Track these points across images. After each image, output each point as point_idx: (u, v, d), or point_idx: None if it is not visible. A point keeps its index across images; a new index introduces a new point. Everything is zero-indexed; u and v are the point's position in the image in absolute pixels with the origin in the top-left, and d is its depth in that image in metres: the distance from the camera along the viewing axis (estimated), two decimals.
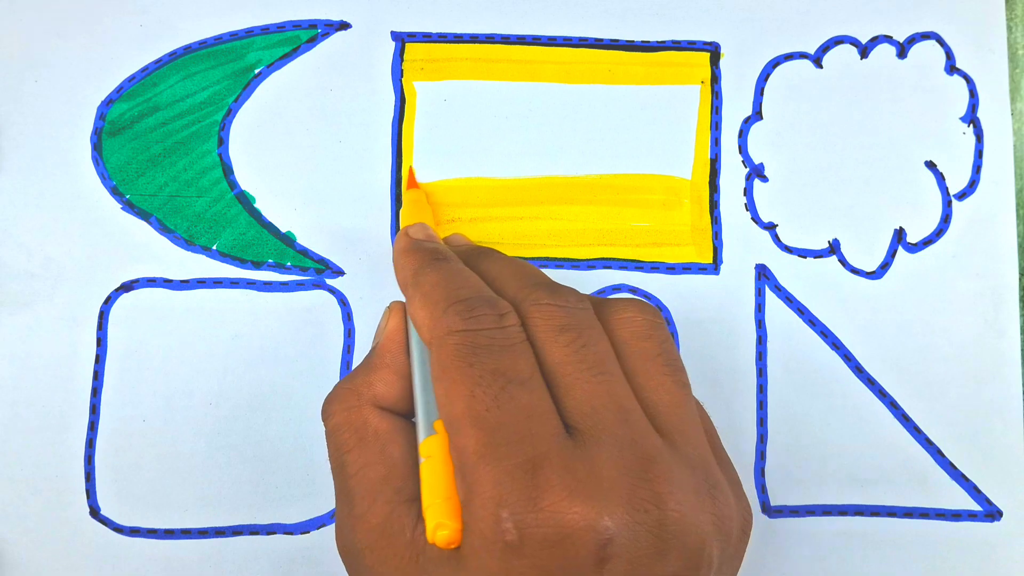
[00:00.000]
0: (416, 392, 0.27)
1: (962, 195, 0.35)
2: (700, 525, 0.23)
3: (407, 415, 0.28)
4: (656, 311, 0.27)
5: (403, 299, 0.29)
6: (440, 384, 0.25)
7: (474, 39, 0.35)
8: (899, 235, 0.35)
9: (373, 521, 0.25)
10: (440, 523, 0.24)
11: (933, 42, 0.36)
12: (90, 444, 0.33)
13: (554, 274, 0.34)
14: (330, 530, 0.33)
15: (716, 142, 0.35)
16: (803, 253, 0.35)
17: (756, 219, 0.35)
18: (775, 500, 0.34)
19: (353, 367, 0.33)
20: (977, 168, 0.35)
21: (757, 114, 0.35)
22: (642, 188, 0.35)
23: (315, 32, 0.35)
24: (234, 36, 0.34)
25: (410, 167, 0.34)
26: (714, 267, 0.35)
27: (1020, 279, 0.35)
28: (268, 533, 0.33)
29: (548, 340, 0.25)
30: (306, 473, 0.33)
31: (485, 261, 0.29)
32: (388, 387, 0.28)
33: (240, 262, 0.34)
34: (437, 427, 0.25)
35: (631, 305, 0.27)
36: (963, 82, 0.35)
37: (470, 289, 0.26)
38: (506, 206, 0.34)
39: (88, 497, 0.32)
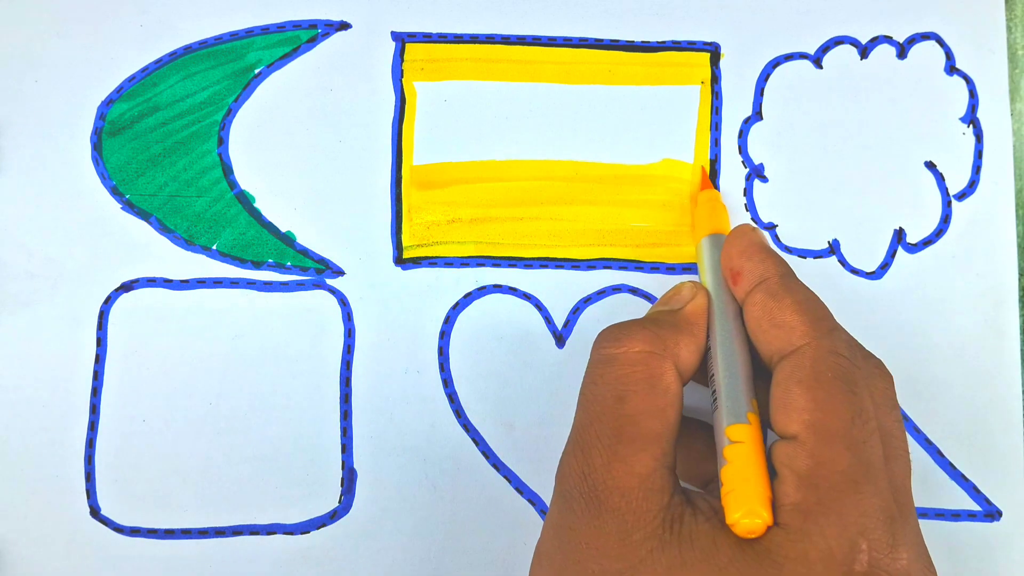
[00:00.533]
0: (721, 375, 0.27)
1: (962, 195, 0.35)
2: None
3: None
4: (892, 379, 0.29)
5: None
6: (813, 392, 0.25)
7: (474, 39, 0.35)
8: (899, 235, 0.35)
9: (638, 468, 0.25)
10: (753, 511, 0.24)
11: (933, 42, 0.36)
12: (90, 444, 0.33)
13: (553, 274, 0.34)
14: (330, 530, 0.33)
15: (716, 142, 0.35)
16: (803, 253, 0.35)
17: (756, 219, 0.35)
18: None
19: (353, 368, 0.33)
20: (977, 168, 0.35)
21: (757, 114, 0.35)
22: (642, 188, 0.35)
23: (315, 32, 0.35)
24: (234, 36, 0.34)
25: (702, 166, 0.34)
26: None
27: (1020, 279, 0.35)
28: (268, 533, 0.33)
29: (884, 407, 0.27)
30: (306, 473, 0.33)
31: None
32: (690, 355, 0.28)
33: (240, 262, 0.34)
34: (751, 419, 0.26)
35: (888, 373, 0.29)
36: (963, 82, 0.35)
37: (835, 323, 0.27)
38: (506, 206, 0.34)
39: (88, 497, 0.32)
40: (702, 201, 0.33)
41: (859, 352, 0.27)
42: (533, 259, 0.34)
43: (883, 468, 0.25)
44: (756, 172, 0.35)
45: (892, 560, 0.23)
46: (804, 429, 0.25)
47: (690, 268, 0.34)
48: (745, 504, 0.24)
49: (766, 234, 0.33)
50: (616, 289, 0.34)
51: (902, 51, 0.36)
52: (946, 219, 0.35)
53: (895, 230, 0.35)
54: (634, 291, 0.34)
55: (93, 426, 0.33)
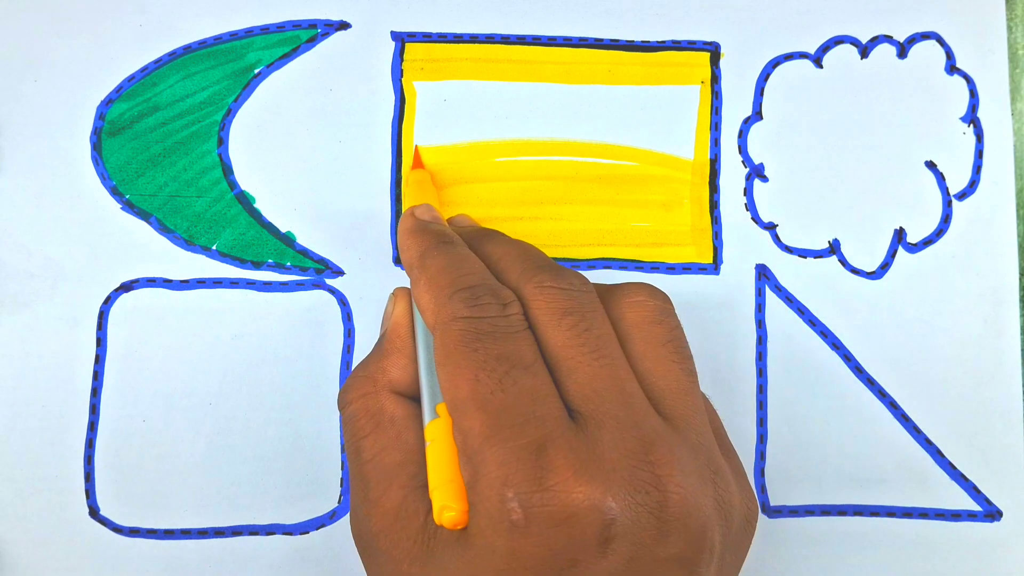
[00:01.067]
0: (421, 376, 0.27)
1: (962, 195, 0.35)
2: (702, 508, 0.24)
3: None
4: (667, 297, 0.27)
5: (407, 284, 0.29)
6: (444, 368, 0.25)
7: (474, 39, 0.35)
8: (899, 235, 0.35)
9: (387, 506, 0.26)
10: (445, 505, 0.24)
11: (933, 42, 0.36)
12: (90, 444, 0.33)
13: None
14: (330, 530, 0.33)
15: (716, 142, 0.35)
16: (803, 253, 0.35)
17: (756, 219, 0.35)
18: (775, 500, 0.34)
19: (353, 367, 0.33)
20: (977, 168, 0.35)
21: (757, 114, 0.35)
22: (642, 188, 0.35)
23: (315, 32, 0.35)
24: (234, 36, 0.34)
25: (416, 147, 0.34)
26: (714, 267, 0.35)
27: (1020, 279, 0.35)
28: (268, 533, 0.33)
29: (551, 324, 0.26)
30: (306, 473, 0.33)
31: (489, 243, 0.29)
32: (402, 372, 0.28)
33: (240, 262, 0.34)
34: (440, 411, 0.26)
35: (642, 289, 0.27)
36: (963, 82, 0.35)
37: (475, 276, 0.27)
38: (506, 206, 0.34)
39: (88, 497, 0.32)
40: (411, 182, 0.33)
41: (532, 282, 0.26)
42: None
43: (537, 400, 0.24)
44: (756, 172, 0.35)
45: (552, 494, 0.22)
46: (450, 408, 0.25)
47: (689, 268, 0.34)
48: (439, 500, 0.24)
49: (427, 208, 0.31)
50: None
51: (902, 51, 0.36)
52: (946, 219, 0.35)
53: (895, 230, 0.35)
54: None
55: (93, 426, 0.33)
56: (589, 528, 0.22)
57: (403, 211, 0.32)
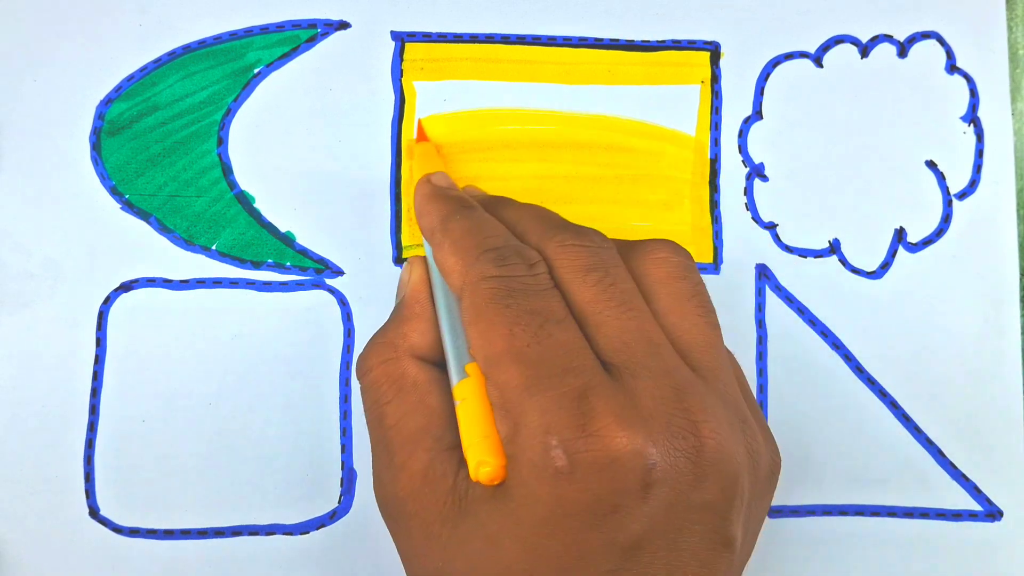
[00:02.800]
0: (444, 338, 0.27)
1: (962, 195, 0.35)
2: (734, 455, 0.24)
3: (442, 364, 0.28)
4: (688, 253, 0.28)
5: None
6: (475, 326, 0.25)
7: (474, 39, 0.35)
8: (899, 235, 0.35)
9: (415, 469, 0.26)
10: (482, 460, 0.24)
11: (933, 41, 0.36)
12: (90, 444, 0.33)
13: None
14: (330, 530, 0.33)
15: (716, 142, 0.35)
16: (803, 253, 0.35)
17: (756, 219, 0.35)
18: (776, 500, 0.34)
19: (353, 367, 0.33)
20: (977, 168, 0.35)
21: (757, 114, 0.35)
22: (642, 188, 0.35)
23: (315, 32, 0.35)
24: (233, 36, 0.34)
25: (419, 120, 0.34)
26: (714, 267, 0.35)
27: (1020, 279, 0.35)
28: (268, 533, 0.33)
29: (576, 280, 0.26)
30: (306, 473, 0.33)
31: (505, 209, 0.29)
32: (423, 336, 0.28)
33: (240, 262, 0.34)
34: (469, 370, 0.26)
35: (665, 246, 0.27)
36: (963, 82, 0.35)
37: (499, 237, 0.27)
38: None
39: (88, 497, 0.32)
40: (417, 154, 0.33)
41: (554, 240, 0.27)
42: None
43: (572, 351, 0.24)
44: (756, 171, 0.35)
45: (595, 440, 0.23)
46: (484, 365, 0.25)
47: None
48: (475, 457, 0.24)
49: (443, 175, 0.32)
50: None
51: (903, 50, 0.36)
52: (947, 218, 0.35)
53: (895, 229, 0.35)
54: None
55: (92, 426, 0.33)
56: (631, 473, 0.23)
57: (411, 181, 0.32)
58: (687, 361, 0.25)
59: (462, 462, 0.25)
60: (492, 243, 0.27)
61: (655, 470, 0.23)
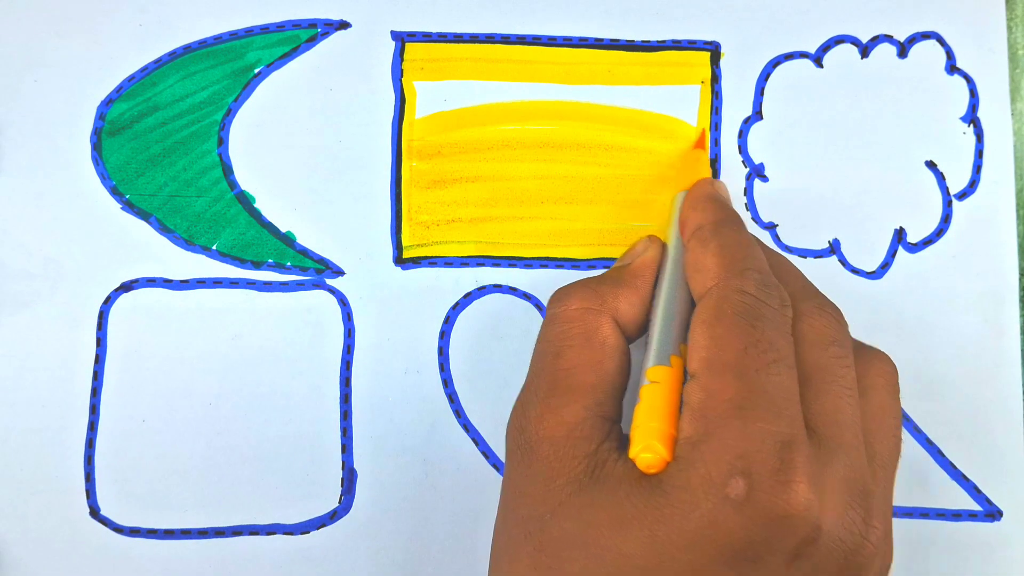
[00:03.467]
0: (656, 321, 0.28)
1: (962, 195, 0.35)
2: (875, 568, 0.25)
3: (629, 340, 0.29)
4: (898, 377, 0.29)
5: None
6: (711, 328, 0.26)
7: (474, 39, 0.35)
8: (899, 235, 0.35)
9: (566, 417, 0.26)
10: (649, 445, 0.24)
11: (934, 42, 0.36)
12: (90, 444, 0.33)
13: (554, 274, 0.34)
14: (330, 530, 0.33)
15: (716, 142, 0.35)
16: (803, 253, 0.35)
17: (756, 219, 0.35)
18: None
19: (353, 368, 0.33)
20: (977, 168, 0.35)
21: (757, 114, 0.35)
22: (642, 187, 0.35)
23: (315, 32, 0.35)
24: (234, 35, 0.34)
25: (703, 128, 0.35)
26: None
27: (1020, 279, 0.35)
28: (268, 533, 0.33)
29: (818, 344, 0.26)
30: (306, 473, 0.33)
31: (764, 248, 0.30)
32: (630, 308, 0.29)
33: (240, 262, 0.34)
34: (673, 361, 0.26)
35: (891, 362, 0.29)
36: (963, 82, 0.35)
37: (764, 264, 0.28)
38: (506, 206, 0.34)
39: (88, 497, 0.32)
40: (689, 158, 0.34)
41: (812, 301, 0.28)
42: (533, 259, 0.34)
43: (789, 399, 0.24)
44: (756, 172, 0.35)
45: (781, 489, 0.23)
46: (700, 365, 0.25)
47: None
48: (643, 439, 0.25)
49: (724, 187, 0.33)
50: None
51: (903, 50, 0.36)
52: (946, 219, 0.35)
53: (895, 230, 0.35)
54: None
55: (93, 426, 0.33)
56: (793, 537, 0.23)
57: (684, 186, 0.32)
58: (870, 468, 0.26)
59: (610, 435, 0.26)
60: (758, 265, 0.27)
61: (814, 545, 0.23)
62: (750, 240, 0.29)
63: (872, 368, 0.28)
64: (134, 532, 0.32)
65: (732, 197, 0.35)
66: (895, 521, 0.33)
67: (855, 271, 0.35)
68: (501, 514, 0.27)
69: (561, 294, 0.29)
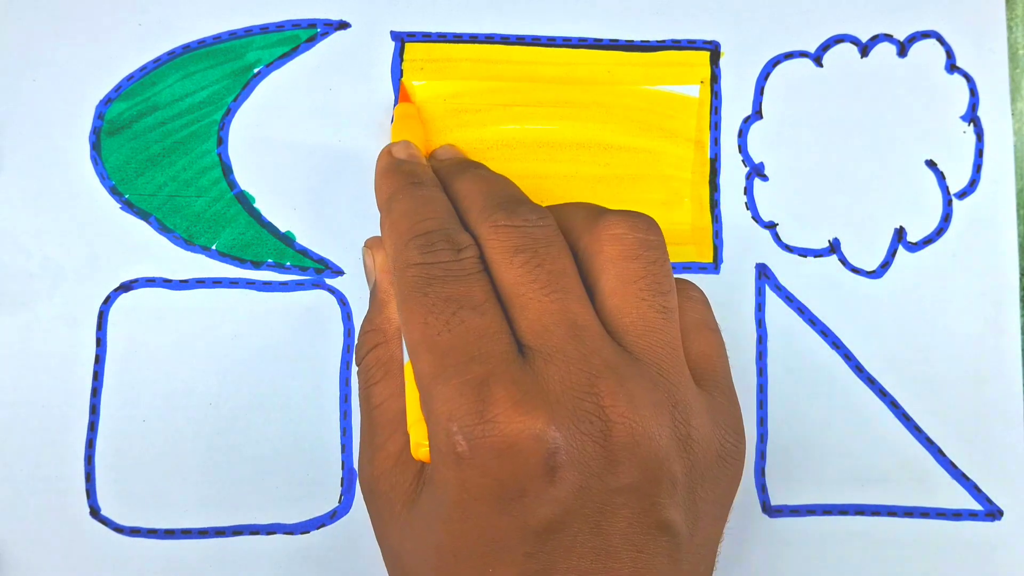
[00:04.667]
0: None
1: (962, 194, 0.35)
2: (653, 439, 0.24)
3: None
4: (651, 226, 0.27)
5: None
6: (401, 313, 0.26)
7: (474, 39, 0.35)
8: (899, 234, 0.35)
9: (391, 449, 0.27)
10: (418, 442, 0.25)
11: (933, 41, 0.36)
12: (90, 444, 0.33)
13: None
14: (330, 530, 0.33)
15: (716, 142, 0.35)
16: (803, 252, 0.35)
17: (756, 218, 0.35)
18: (775, 500, 0.34)
19: (353, 368, 0.33)
20: (977, 167, 0.35)
21: (757, 113, 0.35)
22: (642, 187, 0.35)
23: (314, 31, 0.35)
24: (233, 35, 0.34)
25: (402, 81, 0.34)
26: (714, 267, 0.35)
27: (1020, 279, 0.35)
28: (268, 533, 0.33)
29: (503, 262, 0.26)
30: (306, 473, 0.33)
31: (459, 180, 0.29)
32: None
33: (240, 262, 0.34)
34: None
35: (623, 221, 0.27)
36: (963, 81, 0.35)
37: (433, 220, 0.27)
38: None
39: (88, 497, 0.32)
40: (397, 117, 0.33)
41: (488, 222, 0.26)
42: None
43: (481, 337, 0.24)
44: (756, 171, 0.35)
45: (492, 427, 0.23)
46: (409, 353, 0.26)
47: (690, 267, 0.34)
48: (413, 437, 0.25)
49: (400, 148, 0.31)
50: None
51: (902, 49, 0.36)
52: (946, 218, 0.35)
53: (895, 229, 0.35)
54: None
55: (93, 426, 0.33)
56: (532, 457, 0.23)
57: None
58: (622, 343, 0.25)
59: None
60: (423, 227, 0.27)
61: (558, 453, 0.23)
62: (418, 202, 0.28)
63: (600, 240, 0.26)
64: (134, 532, 0.32)
65: (724, 195, 0.34)
66: (895, 521, 0.33)
67: (855, 270, 0.35)
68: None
69: (356, 350, 0.29)
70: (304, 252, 0.34)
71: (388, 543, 0.27)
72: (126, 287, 0.33)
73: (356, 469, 0.28)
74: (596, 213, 0.27)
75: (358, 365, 0.29)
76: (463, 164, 0.31)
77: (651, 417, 0.24)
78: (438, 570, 0.25)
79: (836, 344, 0.34)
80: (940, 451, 0.34)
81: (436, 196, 0.28)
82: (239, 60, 0.34)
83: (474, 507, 0.24)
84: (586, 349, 0.24)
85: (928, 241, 0.35)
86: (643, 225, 0.27)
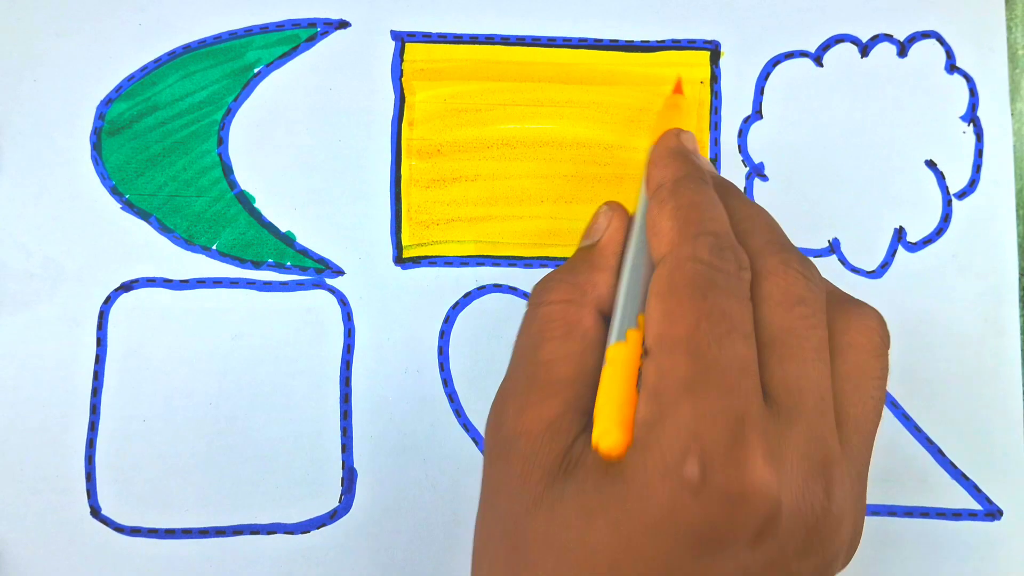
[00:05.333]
0: (620, 294, 0.26)
1: (962, 194, 0.35)
2: (843, 535, 0.24)
3: None
4: (889, 335, 0.26)
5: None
6: (663, 301, 0.24)
7: (474, 39, 0.35)
8: (899, 234, 0.35)
9: (544, 413, 0.25)
10: (608, 429, 0.23)
11: (933, 41, 0.36)
12: (90, 444, 0.33)
13: None
14: (330, 530, 0.33)
15: (716, 142, 0.35)
16: (803, 252, 0.35)
17: None
18: None
19: (353, 367, 0.33)
20: (977, 167, 0.35)
21: (757, 113, 0.35)
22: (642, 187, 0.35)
23: (314, 31, 0.35)
24: (233, 35, 0.34)
25: (679, 76, 0.32)
26: None
27: (1020, 279, 0.35)
28: (268, 533, 0.33)
29: (782, 305, 0.25)
30: (306, 473, 0.33)
31: (734, 199, 0.28)
32: (611, 291, 0.27)
33: (240, 262, 0.34)
34: (630, 336, 0.25)
35: (876, 316, 0.26)
36: (963, 81, 0.35)
37: (722, 224, 0.26)
38: (506, 205, 0.34)
39: (88, 497, 0.32)
40: (669, 106, 0.31)
41: (777, 257, 0.26)
42: (533, 258, 0.34)
43: (745, 371, 0.23)
44: (756, 171, 0.35)
45: (735, 468, 0.22)
46: (653, 341, 0.24)
47: None
48: (603, 423, 0.24)
49: (691, 138, 0.30)
50: None
51: (902, 50, 0.36)
52: (946, 218, 0.35)
53: (895, 229, 0.35)
54: None
55: (93, 426, 0.33)
56: (754, 516, 0.22)
57: (659, 133, 0.29)
58: (840, 432, 0.25)
59: (587, 428, 0.24)
60: (714, 227, 0.25)
61: (776, 522, 0.22)
62: (709, 200, 0.26)
63: (852, 325, 0.26)
64: (135, 532, 0.32)
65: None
66: (895, 520, 0.33)
67: (855, 270, 0.35)
68: (481, 510, 0.26)
69: (541, 288, 0.27)
70: (304, 252, 0.34)
71: (508, 503, 0.25)
72: (126, 287, 0.33)
73: (489, 415, 0.26)
74: (846, 295, 0.27)
75: (535, 306, 0.27)
76: (731, 185, 0.29)
77: (850, 513, 0.24)
78: (579, 568, 0.23)
79: None
80: (940, 451, 0.34)
81: (720, 203, 0.27)
82: (239, 60, 0.34)
83: (668, 533, 0.22)
84: (826, 428, 0.24)
85: (928, 241, 0.35)
86: (887, 330, 0.26)
